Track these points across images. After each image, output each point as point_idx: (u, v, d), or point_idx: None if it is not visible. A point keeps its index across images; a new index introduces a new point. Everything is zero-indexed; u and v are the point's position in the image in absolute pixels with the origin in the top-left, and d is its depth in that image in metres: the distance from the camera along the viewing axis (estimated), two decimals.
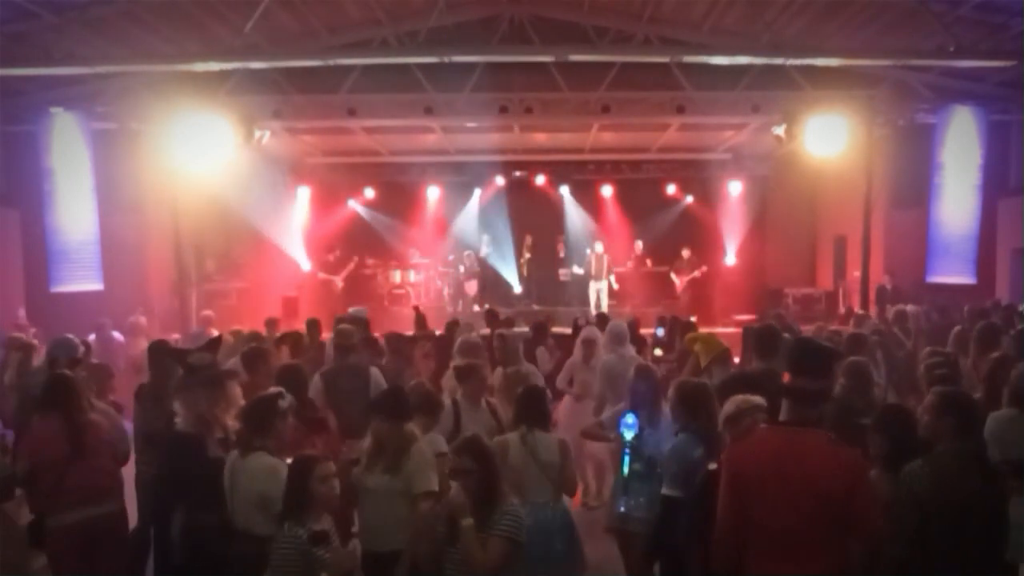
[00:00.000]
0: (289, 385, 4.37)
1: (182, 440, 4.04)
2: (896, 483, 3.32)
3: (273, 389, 4.10)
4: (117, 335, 9.57)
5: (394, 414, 3.96)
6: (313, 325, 8.42)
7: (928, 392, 3.84)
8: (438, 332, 8.95)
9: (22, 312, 10.77)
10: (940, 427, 3.39)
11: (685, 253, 15.17)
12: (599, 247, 15.50)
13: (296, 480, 3.37)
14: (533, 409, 4.45)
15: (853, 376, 4.96)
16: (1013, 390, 4.32)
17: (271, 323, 9.04)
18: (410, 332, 8.56)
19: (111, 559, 4.33)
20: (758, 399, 3.73)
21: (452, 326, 8.74)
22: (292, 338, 7.31)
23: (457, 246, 16.67)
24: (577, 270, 15.86)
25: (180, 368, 4.37)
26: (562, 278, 16.25)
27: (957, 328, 7.32)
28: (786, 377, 3.10)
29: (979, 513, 3.17)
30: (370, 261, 16.40)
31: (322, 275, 15.36)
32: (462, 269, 15.77)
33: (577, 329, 8.43)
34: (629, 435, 4.60)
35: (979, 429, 3.46)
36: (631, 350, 6.85)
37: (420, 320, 9.37)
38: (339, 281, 15.32)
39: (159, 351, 5.51)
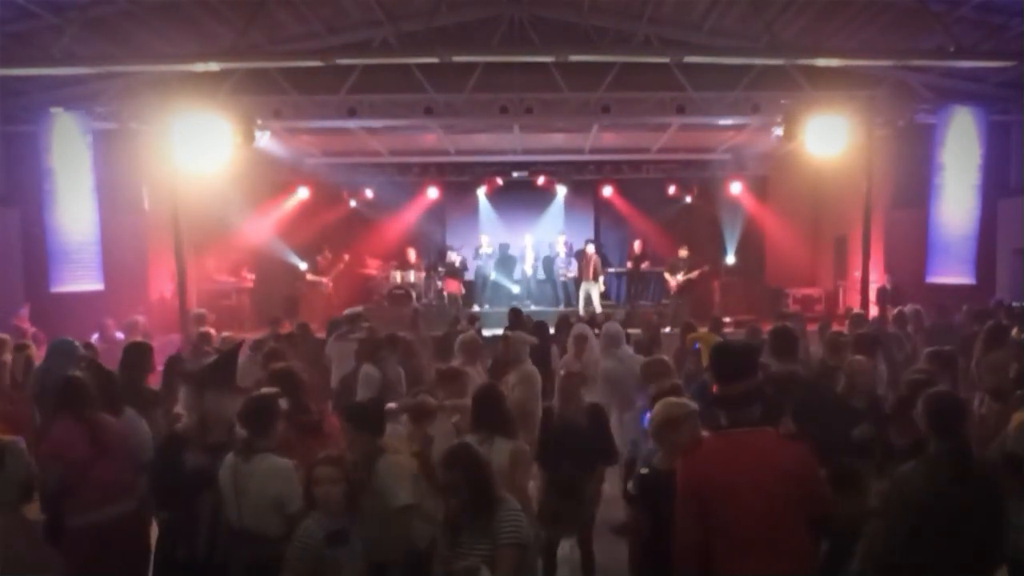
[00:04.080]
0: (285, 388, 4.39)
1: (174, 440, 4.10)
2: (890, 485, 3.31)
3: (268, 390, 4.10)
4: (120, 335, 9.55)
5: (363, 426, 3.94)
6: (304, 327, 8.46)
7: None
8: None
9: (24, 311, 10.72)
10: (923, 428, 3.41)
11: (682, 252, 15.02)
12: (591, 248, 15.48)
13: (303, 483, 3.44)
14: (492, 413, 4.23)
15: (854, 376, 4.96)
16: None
17: (275, 322, 9.07)
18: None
19: (126, 559, 4.31)
20: (692, 404, 3.72)
21: (454, 324, 8.76)
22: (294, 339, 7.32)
23: (448, 247, 16.67)
24: (571, 271, 15.86)
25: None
26: (561, 279, 16.26)
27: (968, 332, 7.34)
28: (713, 387, 3.11)
29: (973, 513, 3.16)
30: (370, 261, 16.39)
31: (311, 277, 15.33)
32: (441, 270, 15.82)
33: (567, 327, 8.39)
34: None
35: (959, 429, 3.43)
36: (629, 351, 6.81)
37: (413, 323, 9.36)
38: (328, 282, 15.26)
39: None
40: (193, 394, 4.32)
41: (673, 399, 3.82)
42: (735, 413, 3.02)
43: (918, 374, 4.80)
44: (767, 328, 8.16)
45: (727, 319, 13.48)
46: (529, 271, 16.70)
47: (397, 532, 3.72)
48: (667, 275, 15.07)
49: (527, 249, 16.74)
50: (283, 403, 3.98)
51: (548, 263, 16.70)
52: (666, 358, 5.33)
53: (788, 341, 5.26)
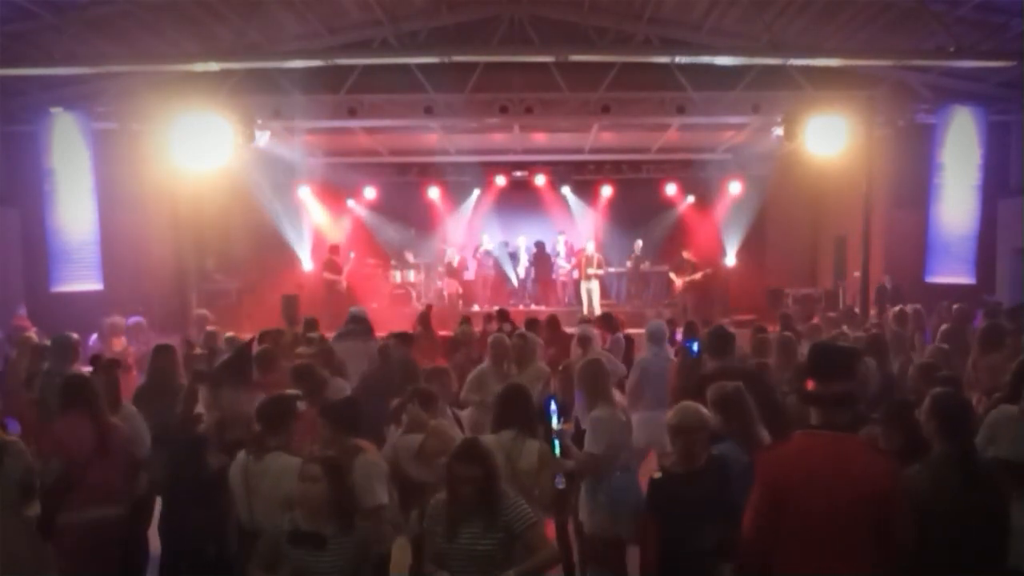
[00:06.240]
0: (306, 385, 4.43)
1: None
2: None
3: (289, 391, 4.12)
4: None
5: (340, 425, 3.95)
6: (311, 324, 8.39)
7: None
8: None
9: (23, 311, 10.71)
10: (929, 429, 3.39)
11: (686, 254, 15.06)
12: (591, 247, 15.50)
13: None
14: (522, 413, 4.18)
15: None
16: None
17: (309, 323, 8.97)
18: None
19: (115, 562, 4.33)
20: (708, 416, 3.70)
21: (464, 322, 8.75)
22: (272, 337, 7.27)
23: (447, 247, 16.66)
24: (570, 269, 15.85)
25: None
26: (561, 279, 16.25)
27: (944, 327, 7.34)
28: (809, 384, 3.03)
29: (977, 518, 3.16)
30: (370, 261, 16.37)
31: (327, 275, 15.29)
32: (441, 270, 15.79)
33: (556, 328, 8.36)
34: (554, 422, 4.55)
35: (967, 432, 3.41)
36: (668, 351, 6.80)
37: (424, 320, 9.31)
38: (343, 281, 15.25)
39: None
40: (211, 393, 4.34)
41: (694, 406, 3.78)
42: (827, 413, 2.92)
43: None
44: (773, 330, 8.19)
45: (725, 319, 13.52)
46: (524, 271, 16.71)
47: (366, 532, 3.72)
48: (672, 275, 15.08)
49: (521, 250, 16.75)
50: (301, 405, 3.99)
51: (540, 262, 16.66)
52: (603, 360, 5.26)
53: (723, 340, 5.29)
